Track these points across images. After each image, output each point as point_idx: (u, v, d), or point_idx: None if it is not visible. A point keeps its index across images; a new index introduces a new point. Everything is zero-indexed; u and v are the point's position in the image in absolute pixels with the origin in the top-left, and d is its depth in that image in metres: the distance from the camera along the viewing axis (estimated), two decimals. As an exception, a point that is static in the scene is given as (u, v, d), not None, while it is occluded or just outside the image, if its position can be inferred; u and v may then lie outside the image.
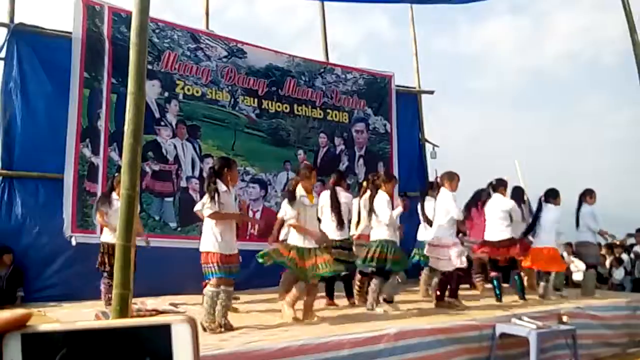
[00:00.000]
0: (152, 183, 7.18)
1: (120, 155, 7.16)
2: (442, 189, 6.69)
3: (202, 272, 5.18)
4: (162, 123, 7.99)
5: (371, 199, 6.25)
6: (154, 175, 7.64)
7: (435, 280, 6.90)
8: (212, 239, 5.05)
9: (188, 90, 8.25)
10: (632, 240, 10.56)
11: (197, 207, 5.21)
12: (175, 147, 8.05)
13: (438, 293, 6.59)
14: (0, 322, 0.41)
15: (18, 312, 0.41)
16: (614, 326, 6.79)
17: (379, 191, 6.26)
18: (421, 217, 7.38)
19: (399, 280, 6.62)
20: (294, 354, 4.30)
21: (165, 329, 0.42)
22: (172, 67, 8.13)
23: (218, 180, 5.14)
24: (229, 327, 4.94)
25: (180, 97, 8.18)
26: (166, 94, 8.06)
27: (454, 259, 6.38)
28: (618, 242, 10.39)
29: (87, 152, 7.38)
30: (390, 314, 5.94)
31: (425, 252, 6.84)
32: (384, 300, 6.13)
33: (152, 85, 7.71)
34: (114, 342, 0.41)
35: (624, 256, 10.33)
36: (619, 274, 10.15)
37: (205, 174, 8.12)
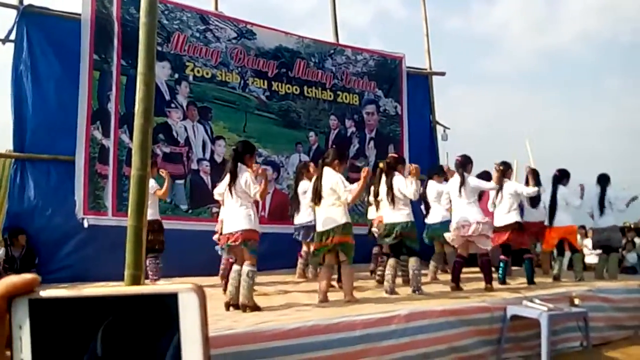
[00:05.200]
0: (163, 165, 7.17)
1: (130, 138, 7.18)
2: (465, 174, 6.61)
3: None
4: (173, 105, 7.98)
5: (389, 181, 6.15)
6: (165, 158, 7.64)
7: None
8: (254, 218, 5.15)
9: (198, 72, 8.22)
10: (645, 223, 10.49)
11: (252, 191, 5.11)
12: (185, 129, 8.04)
13: (485, 276, 6.53)
14: (8, 286, 0.41)
15: (26, 277, 0.41)
16: (625, 309, 6.75)
17: (396, 173, 6.21)
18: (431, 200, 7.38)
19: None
20: (305, 334, 4.31)
21: (173, 298, 0.41)
22: (182, 48, 8.10)
23: (240, 164, 5.17)
24: (258, 307, 4.99)
25: (190, 78, 8.15)
26: (176, 76, 8.04)
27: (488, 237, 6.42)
28: (632, 225, 10.32)
29: (98, 134, 7.39)
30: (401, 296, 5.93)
31: (453, 235, 6.70)
32: (414, 291, 6.07)
33: (162, 67, 7.69)
34: (120, 309, 0.41)
35: (637, 240, 10.26)
36: (631, 257, 10.09)
37: (217, 156, 8.15)
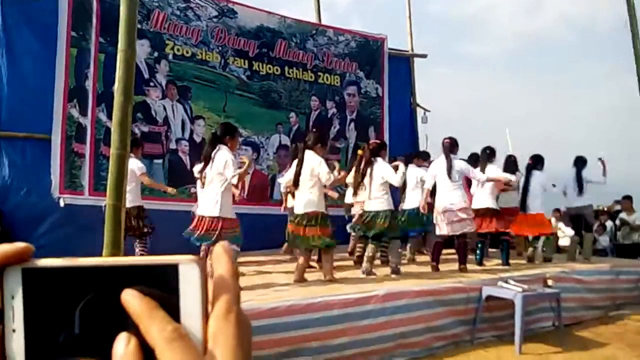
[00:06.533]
0: (142, 145, 7.08)
1: (108, 117, 7.10)
2: (452, 156, 6.65)
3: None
4: (152, 84, 7.88)
5: (368, 167, 6.17)
6: (143, 137, 7.55)
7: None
8: (230, 205, 5.22)
9: (178, 50, 8.12)
10: (618, 207, 10.68)
11: (230, 173, 5.11)
12: (164, 108, 7.96)
13: (460, 257, 6.61)
14: (0, 254, 0.40)
15: (19, 245, 0.40)
16: (597, 290, 6.92)
17: (378, 159, 6.23)
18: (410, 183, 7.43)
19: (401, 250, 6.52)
20: (283, 314, 4.35)
21: (173, 269, 0.40)
22: (162, 26, 7.98)
23: (221, 146, 5.16)
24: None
25: (170, 57, 8.05)
26: (155, 54, 7.93)
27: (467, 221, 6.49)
28: (606, 209, 10.51)
29: (75, 112, 7.28)
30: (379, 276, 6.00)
31: (440, 218, 6.72)
32: (393, 272, 6.14)
33: (141, 45, 7.57)
34: (117, 280, 0.39)
35: (609, 223, 10.46)
36: (604, 240, 10.30)
37: (196, 136, 8.10)
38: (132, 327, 0.38)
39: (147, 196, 6.88)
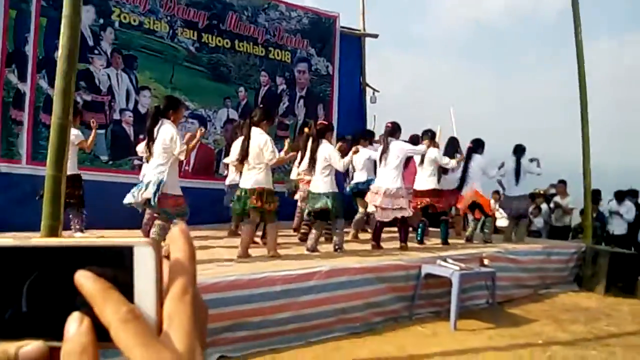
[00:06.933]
0: (83, 114, 6.88)
1: (49, 84, 6.85)
2: (393, 139, 6.74)
3: (133, 209, 5.20)
4: (96, 52, 7.63)
5: (315, 148, 6.21)
6: (86, 106, 7.32)
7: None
8: (176, 181, 5.20)
9: (124, 18, 7.86)
10: (553, 191, 11.13)
11: (177, 150, 5.05)
12: (109, 77, 7.73)
13: (401, 235, 6.76)
14: None
15: None
16: (529, 269, 7.25)
17: (323, 141, 6.27)
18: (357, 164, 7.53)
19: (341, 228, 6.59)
20: (226, 289, 4.38)
21: (128, 251, 0.40)
22: (108, -8, 7.70)
23: (164, 120, 5.08)
24: None
25: (116, 25, 7.80)
26: (101, 21, 7.67)
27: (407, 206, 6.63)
28: (542, 192, 10.94)
29: (13, 78, 6.99)
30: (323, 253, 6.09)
31: (375, 200, 6.81)
32: (336, 250, 6.22)
33: (86, 11, 7.24)
34: (71, 260, 0.39)
35: (544, 205, 10.91)
36: (538, 221, 10.74)
37: (141, 107, 7.92)
38: (84, 307, 0.38)
39: (88, 167, 6.73)
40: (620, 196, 10.34)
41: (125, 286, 0.39)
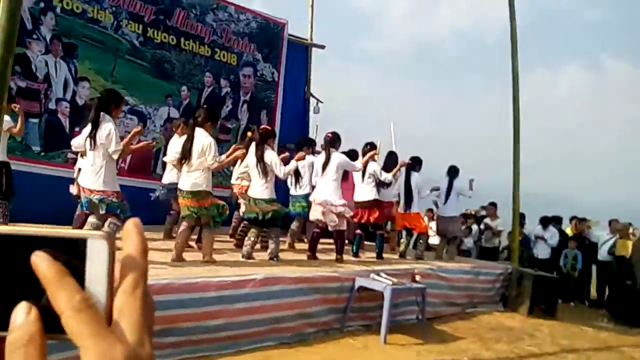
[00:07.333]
0: (17, 101, 6.55)
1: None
2: (333, 150, 6.76)
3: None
4: (34, 36, 7.29)
5: (260, 153, 6.11)
6: (20, 93, 6.97)
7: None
8: (115, 177, 5.02)
9: (67, 4, 7.57)
10: (483, 212, 11.49)
11: (112, 148, 4.86)
12: (46, 64, 7.40)
13: (337, 247, 6.75)
14: None
15: None
16: (458, 287, 7.44)
17: (267, 146, 6.20)
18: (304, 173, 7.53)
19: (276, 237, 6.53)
20: (158, 292, 4.25)
21: (81, 243, 0.39)
22: (51, -24, 7.39)
23: (105, 115, 4.89)
24: None
25: (58, 10, 7.49)
26: (42, 5, 7.34)
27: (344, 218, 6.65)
28: (473, 213, 11.28)
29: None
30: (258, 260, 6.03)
31: (316, 211, 6.79)
32: (271, 259, 6.14)
33: (25, -8, 6.97)
34: (20, 250, 0.38)
35: (474, 226, 11.25)
36: (468, 241, 11.07)
37: (78, 98, 7.62)
38: (32, 299, 0.38)
39: (18, 157, 6.41)
40: (545, 222, 10.79)
41: (77, 277, 0.39)
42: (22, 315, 0.37)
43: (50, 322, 0.37)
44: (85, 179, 4.98)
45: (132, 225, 0.43)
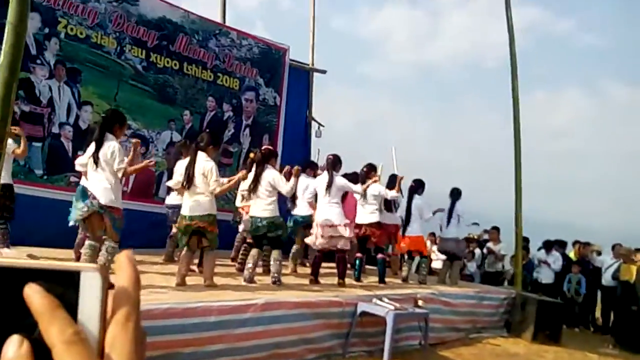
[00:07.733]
0: (20, 125, 6.57)
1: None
2: (334, 173, 6.77)
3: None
4: (39, 61, 7.35)
5: (259, 172, 6.13)
6: (24, 117, 7.00)
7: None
8: (117, 193, 4.97)
9: (71, 30, 7.64)
10: (486, 237, 11.44)
11: (117, 166, 4.87)
12: (50, 89, 7.44)
13: (339, 272, 6.69)
14: None
15: None
16: (461, 313, 7.37)
17: (268, 165, 6.22)
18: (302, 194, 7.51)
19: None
20: (160, 317, 4.22)
21: (74, 276, 0.39)
22: (56, 2, 7.48)
23: (108, 135, 4.91)
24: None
25: (62, 35, 7.56)
26: (46, 30, 7.41)
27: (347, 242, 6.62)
28: (476, 237, 11.22)
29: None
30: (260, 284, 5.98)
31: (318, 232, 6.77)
32: (274, 282, 6.10)
33: (30, 18, 6.99)
34: (12, 283, 0.38)
35: (477, 251, 11.19)
36: (471, 266, 10.99)
37: (81, 122, 7.65)
38: (24, 331, 0.37)
39: (21, 180, 6.41)
40: (548, 246, 10.72)
41: (70, 309, 0.39)
42: (14, 348, 0.37)
43: (42, 355, 0.37)
44: (96, 192, 4.93)
45: (124, 257, 0.44)
